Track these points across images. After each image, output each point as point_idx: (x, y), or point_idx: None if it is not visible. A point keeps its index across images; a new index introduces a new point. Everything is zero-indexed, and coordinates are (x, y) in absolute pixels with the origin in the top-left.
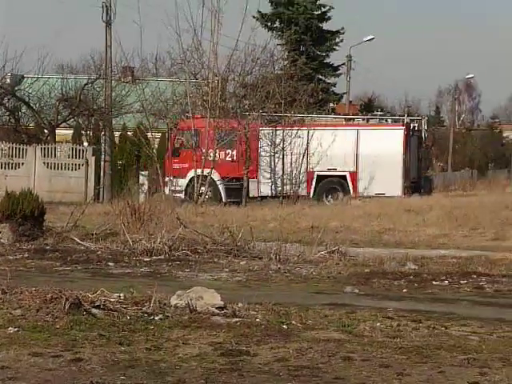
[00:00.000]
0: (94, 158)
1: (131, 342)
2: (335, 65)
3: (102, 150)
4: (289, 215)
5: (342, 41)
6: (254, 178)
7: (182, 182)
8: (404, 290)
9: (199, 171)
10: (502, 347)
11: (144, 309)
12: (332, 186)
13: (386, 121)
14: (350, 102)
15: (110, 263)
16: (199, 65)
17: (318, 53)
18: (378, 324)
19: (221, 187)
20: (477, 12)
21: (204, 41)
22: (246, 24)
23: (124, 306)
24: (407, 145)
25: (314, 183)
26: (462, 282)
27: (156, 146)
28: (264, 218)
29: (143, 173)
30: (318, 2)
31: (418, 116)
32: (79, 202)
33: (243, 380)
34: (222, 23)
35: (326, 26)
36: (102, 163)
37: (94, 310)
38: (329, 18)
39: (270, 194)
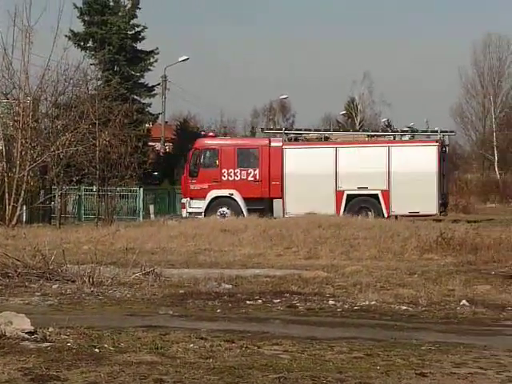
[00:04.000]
0: None
1: None
2: (150, 85)
3: None
4: (104, 237)
5: (156, 61)
6: (279, 198)
7: (202, 204)
8: (218, 310)
9: (220, 192)
10: (312, 365)
11: None
12: (363, 205)
13: (413, 137)
14: (166, 122)
15: None
16: (10, 84)
17: (133, 73)
18: (191, 345)
19: (243, 208)
20: (291, 34)
21: (15, 60)
22: (59, 43)
23: None
24: (441, 161)
25: (343, 202)
26: (275, 300)
27: None
28: (78, 241)
29: None
30: (131, 22)
31: (450, 131)
32: None
33: None
34: (33, 42)
35: (140, 45)
36: None
37: None
38: (143, 38)
39: (296, 214)
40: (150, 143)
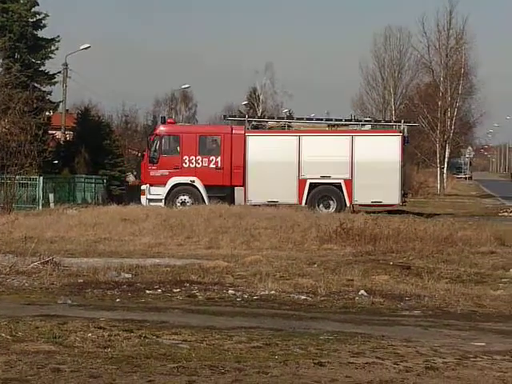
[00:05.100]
0: None
1: None
2: (51, 73)
3: None
4: (2, 226)
5: (57, 48)
6: (240, 186)
7: (162, 191)
8: (117, 300)
9: (181, 179)
10: (211, 355)
11: None
12: (325, 194)
13: (374, 127)
14: (67, 110)
15: None
16: None
17: (34, 60)
18: (90, 334)
19: (204, 196)
20: (195, 23)
21: None
22: None
23: None
24: (404, 152)
25: (306, 191)
26: (175, 290)
27: None
28: None
29: None
30: (33, 10)
31: (414, 122)
32: None
33: None
34: None
35: (41, 33)
36: None
37: None
38: (44, 26)
39: (258, 203)
40: (51, 131)
